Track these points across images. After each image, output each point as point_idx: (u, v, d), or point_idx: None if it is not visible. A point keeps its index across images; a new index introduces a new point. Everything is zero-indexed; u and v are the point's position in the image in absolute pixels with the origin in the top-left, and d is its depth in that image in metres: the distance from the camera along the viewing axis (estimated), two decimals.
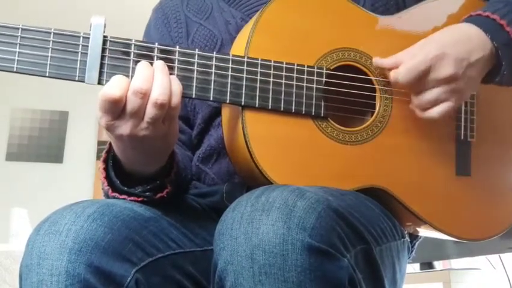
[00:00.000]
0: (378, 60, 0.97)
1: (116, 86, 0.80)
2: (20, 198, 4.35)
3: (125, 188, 0.91)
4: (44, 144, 5.04)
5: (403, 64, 0.93)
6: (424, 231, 1.07)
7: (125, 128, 0.81)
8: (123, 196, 0.91)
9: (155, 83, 0.81)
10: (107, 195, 0.92)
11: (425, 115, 0.94)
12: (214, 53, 0.89)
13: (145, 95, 0.80)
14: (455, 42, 0.94)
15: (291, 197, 0.75)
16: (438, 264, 2.53)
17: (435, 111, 0.93)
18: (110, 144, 0.90)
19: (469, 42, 0.94)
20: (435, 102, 0.93)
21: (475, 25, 0.96)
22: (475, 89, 0.97)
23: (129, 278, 0.80)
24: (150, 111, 0.81)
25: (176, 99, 0.82)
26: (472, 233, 1.03)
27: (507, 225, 1.05)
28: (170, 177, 0.92)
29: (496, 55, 0.95)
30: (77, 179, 4.86)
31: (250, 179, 0.94)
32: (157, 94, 0.80)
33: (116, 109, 0.80)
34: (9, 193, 4.59)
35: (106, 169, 0.91)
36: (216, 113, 1.04)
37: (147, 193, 0.91)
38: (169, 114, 0.83)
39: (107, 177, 0.91)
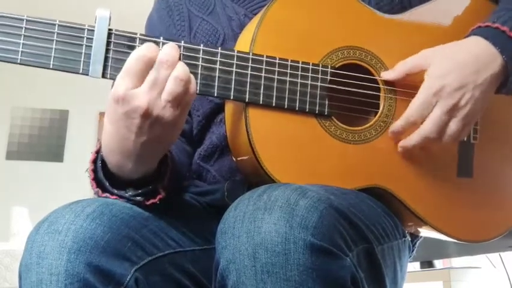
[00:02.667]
0: (386, 75, 0.97)
1: (149, 48, 0.81)
2: (20, 197, 4.36)
3: (115, 191, 0.88)
4: (44, 143, 5.04)
5: (410, 106, 0.93)
6: (425, 232, 1.06)
7: (143, 98, 0.80)
8: (114, 197, 0.89)
9: (179, 63, 0.83)
10: (98, 197, 0.90)
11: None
12: (219, 48, 0.88)
13: (169, 67, 0.81)
14: (462, 65, 0.93)
15: (293, 195, 0.75)
16: (438, 263, 2.53)
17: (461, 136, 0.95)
18: (100, 144, 0.88)
19: (476, 62, 0.93)
20: (457, 134, 0.93)
21: (483, 38, 0.95)
22: (484, 106, 0.96)
23: (129, 277, 0.80)
24: (170, 85, 0.81)
25: (193, 86, 0.83)
26: (473, 235, 1.03)
27: (508, 227, 1.05)
28: (164, 183, 0.91)
29: (506, 68, 0.94)
30: (77, 177, 4.85)
31: (252, 176, 0.94)
32: (180, 71, 0.82)
33: (143, 71, 0.80)
34: (10, 192, 4.60)
35: (94, 170, 0.89)
36: (217, 109, 1.03)
37: (137, 198, 0.89)
38: (185, 100, 0.83)
39: (96, 178, 0.89)
